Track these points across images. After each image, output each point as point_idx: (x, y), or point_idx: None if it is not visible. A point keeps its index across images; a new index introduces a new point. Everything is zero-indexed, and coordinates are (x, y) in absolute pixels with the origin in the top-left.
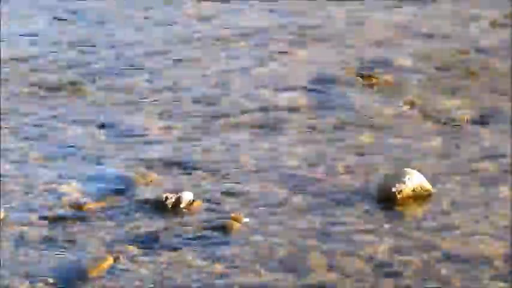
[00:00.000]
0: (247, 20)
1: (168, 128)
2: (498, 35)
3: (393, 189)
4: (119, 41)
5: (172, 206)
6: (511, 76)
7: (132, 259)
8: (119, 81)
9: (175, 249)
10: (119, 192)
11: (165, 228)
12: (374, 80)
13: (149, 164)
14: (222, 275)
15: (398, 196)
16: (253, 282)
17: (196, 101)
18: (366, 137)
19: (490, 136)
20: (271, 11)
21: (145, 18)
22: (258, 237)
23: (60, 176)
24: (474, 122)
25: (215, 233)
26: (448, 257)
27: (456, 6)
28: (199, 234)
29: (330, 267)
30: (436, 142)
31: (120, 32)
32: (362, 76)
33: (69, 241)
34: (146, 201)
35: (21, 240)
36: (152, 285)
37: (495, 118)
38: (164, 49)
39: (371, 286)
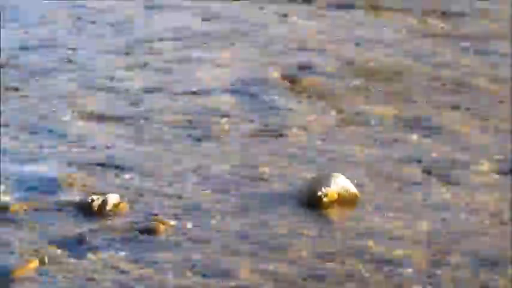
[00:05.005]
0: (176, 22)
1: (98, 129)
2: (421, 42)
3: (319, 193)
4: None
5: (98, 208)
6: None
7: (57, 261)
8: (51, 80)
9: (101, 251)
10: (44, 193)
11: (91, 231)
12: (300, 84)
13: (76, 166)
14: (147, 278)
15: (324, 199)
16: (178, 284)
17: (128, 102)
18: (292, 141)
19: (415, 141)
20: (198, 14)
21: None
22: (184, 240)
23: None
24: (400, 127)
25: (141, 236)
26: (371, 261)
27: (379, 14)
28: (125, 236)
29: (254, 270)
30: (362, 147)
31: None
32: (289, 80)
33: None
34: (72, 203)
35: None
36: None
37: (420, 123)
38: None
39: None
